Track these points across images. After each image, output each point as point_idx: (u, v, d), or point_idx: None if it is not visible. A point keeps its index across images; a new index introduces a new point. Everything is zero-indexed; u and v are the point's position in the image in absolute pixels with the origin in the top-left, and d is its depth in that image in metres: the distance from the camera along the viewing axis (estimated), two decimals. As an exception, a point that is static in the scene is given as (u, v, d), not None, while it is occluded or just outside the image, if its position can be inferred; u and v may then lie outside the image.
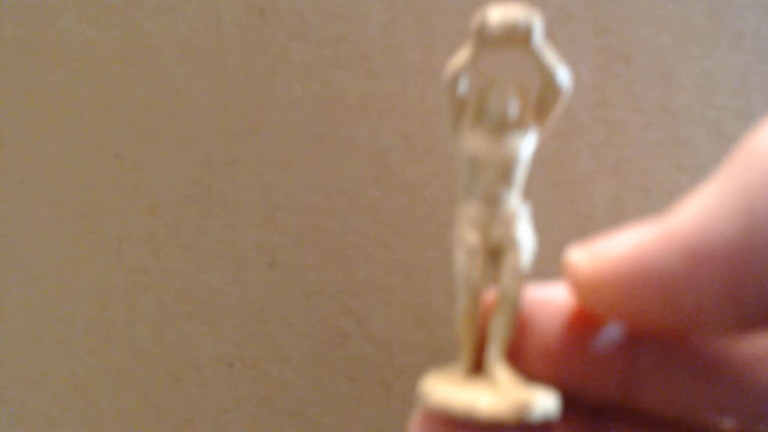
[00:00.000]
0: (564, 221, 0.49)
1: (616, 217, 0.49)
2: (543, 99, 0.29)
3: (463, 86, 0.29)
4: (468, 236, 0.28)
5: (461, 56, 0.28)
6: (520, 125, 0.29)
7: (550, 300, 0.27)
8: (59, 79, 0.48)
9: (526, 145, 0.29)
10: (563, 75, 0.28)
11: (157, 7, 0.47)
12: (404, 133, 0.48)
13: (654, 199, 0.49)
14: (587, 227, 0.49)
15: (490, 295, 0.28)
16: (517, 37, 0.27)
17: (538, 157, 0.52)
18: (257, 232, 0.48)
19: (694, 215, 0.20)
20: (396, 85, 0.48)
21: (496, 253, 0.29)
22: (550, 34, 0.48)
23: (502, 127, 0.29)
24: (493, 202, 0.29)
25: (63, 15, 0.48)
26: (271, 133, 0.48)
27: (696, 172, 0.49)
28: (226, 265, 0.49)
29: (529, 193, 0.49)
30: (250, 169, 0.48)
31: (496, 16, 0.27)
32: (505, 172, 0.29)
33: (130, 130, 0.48)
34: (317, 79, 0.47)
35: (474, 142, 0.29)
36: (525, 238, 0.29)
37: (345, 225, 0.48)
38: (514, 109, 0.28)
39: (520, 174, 0.29)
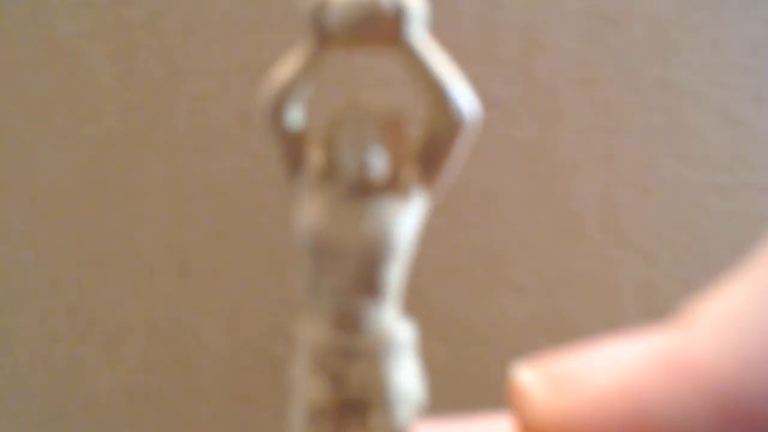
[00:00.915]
0: (545, 224, 0.40)
1: (608, 217, 0.40)
2: (432, 139, 0.19)
3: (297, 116, 0.19)
4: (310, 386, 0.19)
5: (289, 65, 0.18)
6: (395, 187, 0.19)
7: None
8: None
9: (405, 221, 0.19)
10: (462, 96, 0.19)
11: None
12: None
13: (652, 196, 0.41)
14: (573, 231, 0.40)
15: None
16: (379, 28, 0.18)
17: (514, 144, 0.42)
18: (166, 230, 0.38)
19: (722, 348, 0.13)
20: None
21: (357, 411, 0.19)
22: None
23: (364, 191, 0.19)
24: (349, 324, 0.19)
25: None
26: (184, 109, 0.38)
27: (702, 164, 0.41)
28: (127, 271, 0.39)
29: (504, 188, 0.40)
30: (157, 151, 0.38)
31: None
32: (367, 270, 0.19)
33: (10, 103, 0.39)
34: (243, 41, 0.38)
35: (317, 214, 0.19)
36: (405, 387, 0.19)
37: (274, 222, 0.38)
38: (381, 160, 0.19)
39: (394, 272, 0.19)
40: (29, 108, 0.39)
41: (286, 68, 0.18)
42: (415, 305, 0.43)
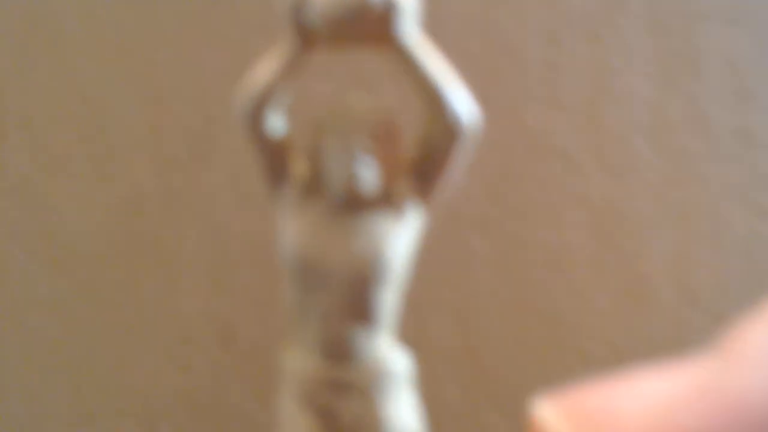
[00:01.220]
0: (613, 284, 0.37)
1: (679, 276, 0.37)
2: (427, 149, 0.17)
3: (277, 122, 0.17)
4: (297, 424, 0.17)
5: (268, 67, 0.17)
6: (387, 201, 0.17)
7: None
8: None
9: (398, 239, 0.17)
10: (459, 101, 0.17)
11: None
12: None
13: (726, 253, 0.37)
14: (643, 291, 0.37)
15: None
16: (366, 24, 0.16)
17: (582, 198, 0.39)
18: (205, 296, 0.35)
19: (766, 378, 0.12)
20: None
21: None
22: (596, 34, 0.35)
23: (353, 205, 0.17)
24: (339, 353, 0.17)
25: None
26: (221, 162, 0.37)
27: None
28: (164, 342, 0.37)
29: (569, 246, 0.36)
30: (193, 209, 0.35)
31: None
32: (358, 292, 0.17)
33: (29, 155, 0.36)
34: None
35: (302, 229, 0.17)
36: (402, 423, 0.17)
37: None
38: (371, 171, 0.16)
39: (390, 294, 0.17)
40: (54, 164, 0.35)
41: (264, 70, 0.17)
42: (469, 369, 0.39)
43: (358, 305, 0.17)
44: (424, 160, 0.17)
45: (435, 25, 0.36)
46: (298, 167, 0.18)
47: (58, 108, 0.36)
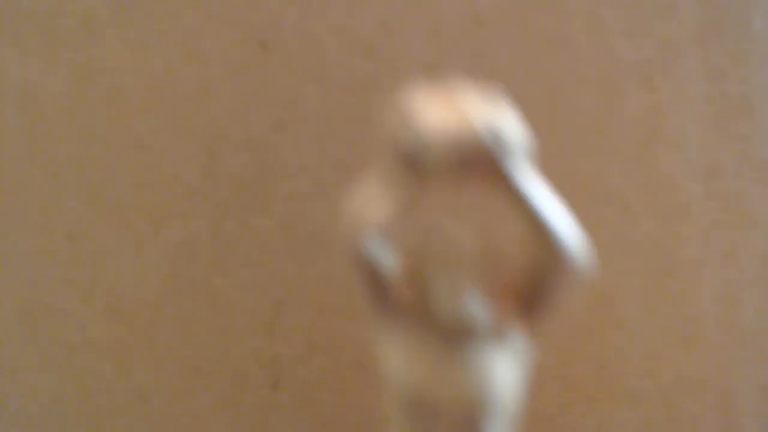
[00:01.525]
0: (662, 325, 0.37)
1: (729, 317, 0.37)
2: (532, 279, 0.17)
3: (382, 250, 0.17)
4: None
5: (373, 196, 0.17)
6: (494, 331, 0.16)
7: None
8: None
9: (506, 372, 0.16)
10: (568, 236, 0.16)
11: (122, 38, 0.34)
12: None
13: (777, 294, 0.37)
14: (692, 332, 0.37)
15: None
16: (478, 166, 0.15)
17: (632, 242, 0.39)
18: (256, 338, 0.36)
19: None
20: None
21: None
22: (650, 79, 0.35)
23: (460, 337, 0.16)
24: None
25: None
26: (273, 207, 0.37)
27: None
28: (215, 383, 0.38)
29: (620, 289, 0.36)
30: (246, 256, 0.35)
31: (442, 128, 0.15)
32: (467, 426, 0.16)
33: (85, 204, 0.37)
34: (338, 135, 0.34)
35: (413, 367, 0.17)
36: None
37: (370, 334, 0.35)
38: (478, 305, 0.16)
39: (502, 426, 0.17)
40: (105, 211, 0.35)
41: (371, 204, 0.17)
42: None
43: None
44: (531, 290, 0.17)
45: (492, 72, 0.36)
46: (400, 291, 0.17)
47: (112, 156, 0.36)
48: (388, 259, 0.17)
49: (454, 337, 0.17)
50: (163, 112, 0.36)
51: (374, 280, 0.17)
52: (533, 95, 0.36)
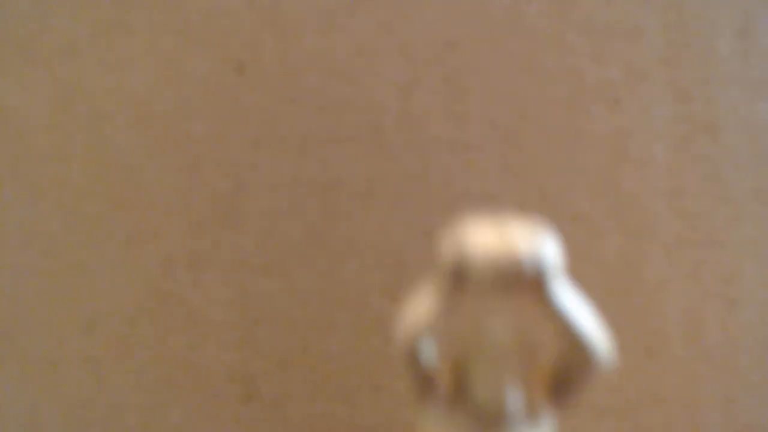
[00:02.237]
0: (627, 341, 0.37)
1: (693, 333, 0.38)
2: (565, 373, 0.19)
3: (430, 350, 0.19)
4: None
5: (424, 306, 0.19)
6: (527, 414, 0.19)
7: None
8: None
9: None
10: (601, 344, 0.19)
11: (101, 59, 0.35)
12: (424, 228, 0.36)
13: (740, 310, 0.38)
14: (657, 348, 0.38)
15: None
16: (519, 285, 0.18)
17: (598, 259, 0.40)
18: (230, 354, 0.36)
19: None
20: (415, 165, 0.36)
21: None
22: (616, 100, 0.36)
23: (498, 420, 0.19)
24: None
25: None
26: (249, 225, 0.37)
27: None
28: (190, 397, 0.37)
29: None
30: (221, 273, 0.36)
31: (483, 251, 0.18)
32: None
33: (63, 221, 0.35)
34: (313, 154, 0.35)
35: None
36: None
37: (346, 348, 0.36)
38: (518, 395, 0.19)
39: None
40: (83, 228, 0.36)
41: (420, 310, 0.19)
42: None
43: None
44: (562, 382, 0.19)
45: (464, 94, 0.37)
46: (443, 379, 0.20)
47: (89, 174, 0.37)
48: (433, 355, 0.19)
49: (492, 422, 0.19)
50: (140, 132, 0.37)
51: (421, 374, 0.19)
52: (503, 115, 0.37)
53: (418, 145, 0.38)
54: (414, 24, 0.37)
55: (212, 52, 0.36)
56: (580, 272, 0.40)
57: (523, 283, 0.18)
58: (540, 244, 0.18)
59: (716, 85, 0.39)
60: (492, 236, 0.18)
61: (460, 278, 0.18)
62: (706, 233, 0.39)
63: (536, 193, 0.37)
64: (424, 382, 0.19)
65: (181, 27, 0.36)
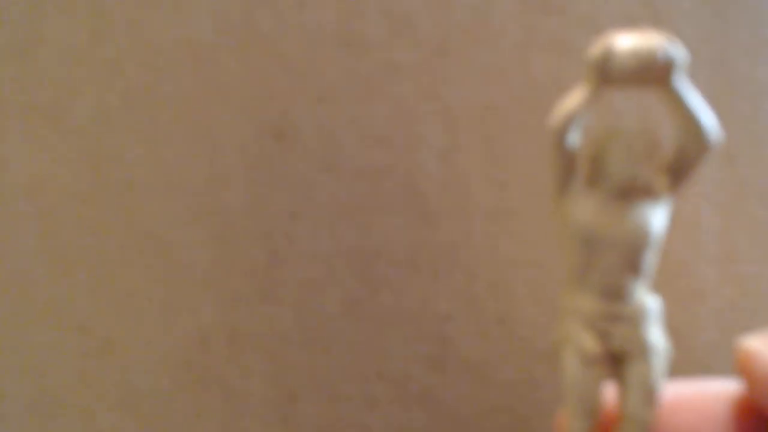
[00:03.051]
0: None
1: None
2: (681, 157, 0.24)
3: (574, 137, 0.24)
4: (583, 339, 0.24)
5: (574, 98, 0.23)
6: (650, 192, 0.24)
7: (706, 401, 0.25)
8: (6, 227, 0.35)
9: (658, 219, 0.24)
10: (711, 125, 0.24)
11: (133, 127, 0.34)
12: (469, 297, 0.34)
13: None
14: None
15: (610, 412, 0.24)
16: (653, 73, 0.22)
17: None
18: (268, 431, 0.35)
19: None
20: (457, 232, 0.35)
21: (618, 361, 0.24)
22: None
23: (627, 195, 0.24)
24: (615, 295, 0.24)
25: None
26: (286, 297, 0.35)
27: None
28: None
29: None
30: (258, 346, 0.34)
31: (627, 44, 0.22)
32: (631, 255, 0.24)
33: (94, 295, 0.34)
34: (352, 223, 0.34)
35: (589, 212, 0.24)
36: (657, 344, 0.24)
37: (388, 423, 0.35)
38: (643, 170, 0.24)
39: (650, 258, 0.24)
40: (116, 303, 0.35)
41: (570, 101, 0.23)
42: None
43: (632, 264, 0.24)
44: (678, 165, 0.24)
45: (506, 157, 0.36)
46: (582, 167, 0.24)
47: (123, 247, 0.35)
48: (576, 137, 0.24)
49: (623, 195, 0.24)
50: (174, 203, 0.36)
51: (566, 155, 0.24)
52: (545, 180, 0.36)
53: (459, 212, 0.37)
54: (454, 88, 0.36)
55: (249, 119, 0.35)
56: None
57: (658, 69, 0.22)
58: (672, 43, 0.22)
59: (762, 147, 0.38)
60: (634, 36, 0.22)
61: (604, 66, 0.22)
62: (756, 298, 0.38)
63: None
64: (567, 164, 0.24)
65: (216, 93, 0.35)
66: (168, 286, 0.36)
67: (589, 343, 0.24)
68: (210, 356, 0.36)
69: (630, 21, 0.37)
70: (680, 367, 0.37)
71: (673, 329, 0.38)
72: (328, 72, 0.35)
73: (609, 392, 0.27)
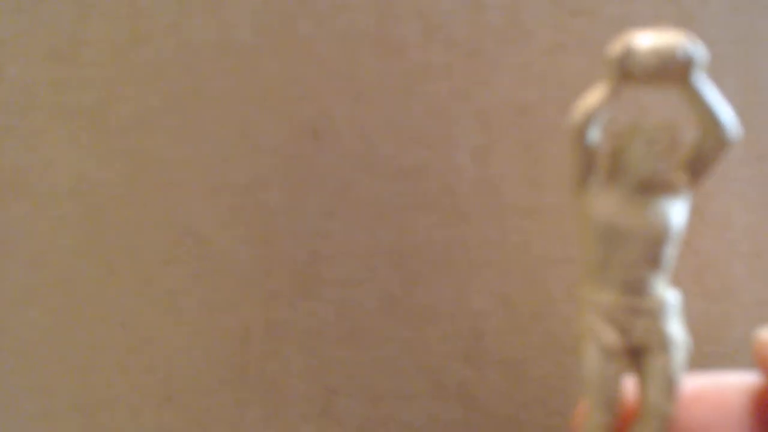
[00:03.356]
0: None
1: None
2: (701, 153, 0.24)
3: (595, 134, 0.24)
4: (603, 333, 0.24)
5: (595, 95, 0.24)
6: (670, 187, 0.24)
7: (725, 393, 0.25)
8: (51, 228, 0.35)
9: (678, 214, 0.24)
10: (730, 122, 0.24)
11: (173, 128, 0.34)
12: (503, 294, 0.35)
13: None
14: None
15: (630, 405, 0.24)
16: (672, 71, 0.23)
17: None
18: (308, 425, 0.36)
19: None
20: (492, 230, 0.35)
21: (638, 355, 0.24)
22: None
23: (647, 189, 0.24)
24: (635, 289, 0.24)
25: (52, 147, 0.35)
26: (325, 294, 0.37)
27: None
28: None
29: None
30: (299, 343, 0.35)
31: (647, 42, 0.23)
32: (652, 249, 0.24)
33: (138, 294, 0.35)
34: (388, 222, 0.35)
35: (610, 206, 0.24)
36: (677, 337, 0.24)
37: (426, 417, 0.35)
38: (663, 165, 0.24)
39: (670, 252, 0.24)
40: (159, 301, 0.36)
41: (591, 98, 0.24)
42: None
43: (652, 257, 0.24)
44: (697, 160, 0.24)
45: (540, 158, 0.36)
46: (602, 162, 0.24)
47: (165, 245, 0.36)
48: (596, 133, 0.24)
49: (643, 189, 0.24)
50: (215, 203, 0.37)
51: (587, 151, 0.24)
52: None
53: (493, 210, 0.37)
54: (487, 88, 0.37)
55: (287, 119, 0.36)
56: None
57: (677, 67, 0.23)
58: (692, 42, 0.22)
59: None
60: (654, 34, 0.23)
61: (625, 64, 0.23)
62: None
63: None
64: (587, 159, 0.24)
65: (255, 94, 0.36)
66: (209, 284, 0.37)
67: (610, 336, 0.24)
68: (250, 352, 0.37)
69: (659, 21, 0.38)
70: (710, 362, 0.38)
71: (702, 324, 0.38)
72: (364, 73, 0.36)
73: (629, 385, 0.27)
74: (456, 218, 0.37)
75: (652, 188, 0.24)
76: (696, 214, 0.38)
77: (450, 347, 0.38)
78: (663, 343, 0.24)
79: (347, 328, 0.37)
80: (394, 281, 0.37)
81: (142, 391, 0.37)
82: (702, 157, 0.25)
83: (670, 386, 0.24)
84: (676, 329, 0.25)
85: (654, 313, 0.24)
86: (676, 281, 0.39)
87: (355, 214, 0.37)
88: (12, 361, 0.36)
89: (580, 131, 0.24)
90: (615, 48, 0.24)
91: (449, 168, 0.37)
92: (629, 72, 0.23)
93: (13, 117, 0.36)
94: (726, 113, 0.24)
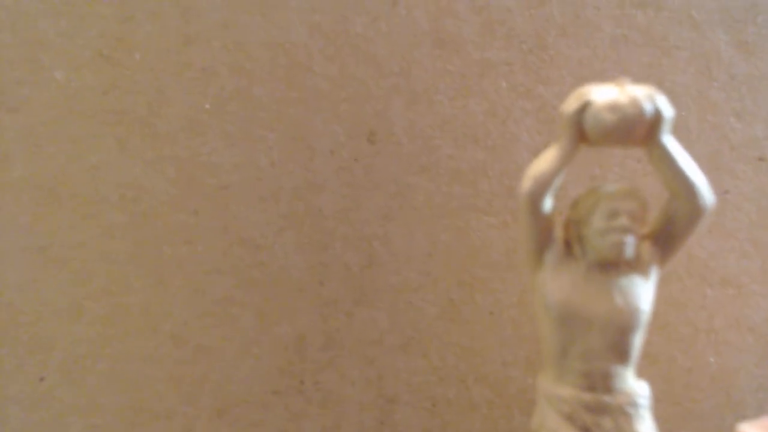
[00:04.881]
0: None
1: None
2: (672, 223, 0.22)
3: (549, 203, 0.22)
4: None
5: (548, 159, 0.21)
6: (637, 263, 0.22)
7: None
8: (99, 237, 0.34)
9: (647, 296, 0.22)
10: (704, 189, 0.22)
11: (224, 133, 0.33)
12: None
13: None
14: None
15: None
16: (635, 129, 0.20)
17: (748, 323, 0.38)
18: (359, 428, 0.35)
19: None
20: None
21: None
22: (761, 158, 0.34)
23: (610, 267, 0.22)
24: (599, 384, 0.21)
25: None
26: (382, 301, 0.36)
27: None
28: None
29: (734, 373, 0.35)
30: (355, 352, 0.34)
31: (606, 96, 0.21)
32: (616, 337, 0.21)
33: (190, 303, 0.34)
34: (447, 225, 0.33)
35: (567, 286, 0.21)
36: None
37: (488, 426, 0.34)
38: (632, 243, 0.21)
39: (637, 341, 0.22)
40: (211, 310, 0.34)
41: (545, 162, 0.21)
42: None
43: (617, 347, 0.21)
44: (668, 232, 0.22)
45: (600, 157, 0.35)
46: (558, 234, 0.22)
47: (218, 254, 0.35)
48: (550, 206, 0.22)
49: (607, 267, 0.22)
50: (268, 208, 0.35)
51: (542, 222, 0.22)
52: (644, 175, 0.35)
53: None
54: (548, 85, 0.35)
55: (342, 122, 0.35)
56: (731, 335, 0.38)
57: (640, 126, 0.20)
58: (657, 95, 0.20)
59: None
60: (613, 89, 0.21)
61: (580, 122, 0.21)
62: None
63: (684, 257, 0.36)
64: (543, 229, 0.22)
65: (309, 97, 0.35)
66: (262, 293, 0.35)
67: None
68: (306, 361, 0.36)
69: (726, 14, 0.36)
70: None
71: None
72: (420, 72, 0.35)
73: None
74: (516, 219, 0.36)
75: (617, 266, 0.22)
76: (762, 211, 0.36)
77: (511, 354, 0.36)
78: None
79: (405, 335, 0.36)
80: (452, 286, 0.36)
81: (194, 405, 0.36)
82: (673, 228, 0.22)
83: None
84: (646, 428, 0.22)
85: (621, 412, 0.21)
86: (742, 283, 0.38)
87: (412, 217, 0.35)
88: (60, 375, 0.35)
89: (533, 200, 0.22)
90: (570, 103, 0.21)
91: (509, 168, 0.36)
92: (585, 133, 0.21)
93: (59, 122, 0.34)
94: (698, 178, 0.21)
